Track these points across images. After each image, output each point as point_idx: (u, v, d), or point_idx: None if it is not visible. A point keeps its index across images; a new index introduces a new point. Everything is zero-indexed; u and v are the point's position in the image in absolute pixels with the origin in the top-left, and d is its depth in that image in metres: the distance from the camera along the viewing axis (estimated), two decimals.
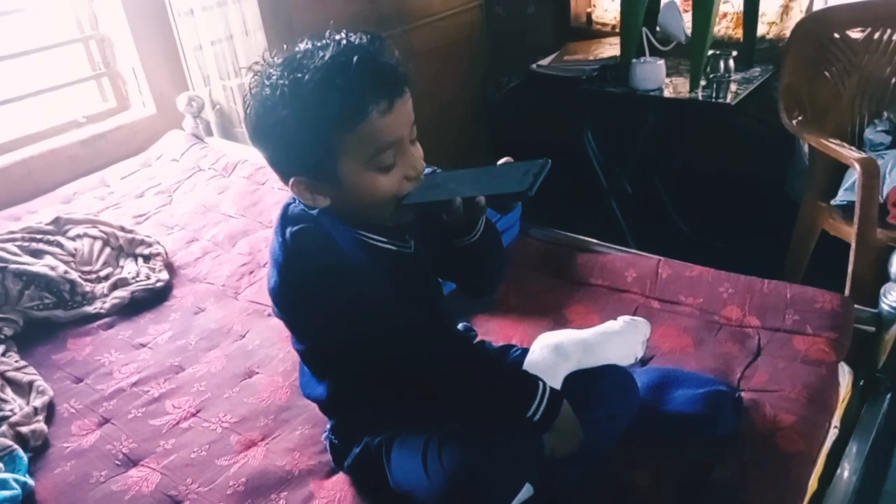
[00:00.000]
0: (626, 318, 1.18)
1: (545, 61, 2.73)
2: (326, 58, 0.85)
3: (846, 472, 1.13)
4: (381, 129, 0.88)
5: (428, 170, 1.00)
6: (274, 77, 0.87)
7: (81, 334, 1.57)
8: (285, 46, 0.91)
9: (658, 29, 2.53)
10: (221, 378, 1.39)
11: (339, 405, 1.07)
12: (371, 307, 0.92)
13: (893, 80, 2.22)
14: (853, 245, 1.96)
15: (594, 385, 1.06)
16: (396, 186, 0.92)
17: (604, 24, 3.01)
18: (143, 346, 1.53)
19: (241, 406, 1.30)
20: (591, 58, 2.69)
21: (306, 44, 0.89)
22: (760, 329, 1.33)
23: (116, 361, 1.47)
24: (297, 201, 0.97)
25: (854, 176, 2.09)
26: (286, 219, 0.96)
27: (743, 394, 1.19)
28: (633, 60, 2.47)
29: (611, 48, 2.74)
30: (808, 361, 1.24)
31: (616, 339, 1.13)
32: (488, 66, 2.84)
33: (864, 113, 2.28)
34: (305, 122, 0.86)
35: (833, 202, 2.17)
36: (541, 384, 0.96)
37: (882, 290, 1.27)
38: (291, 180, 0.92)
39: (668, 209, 2.74)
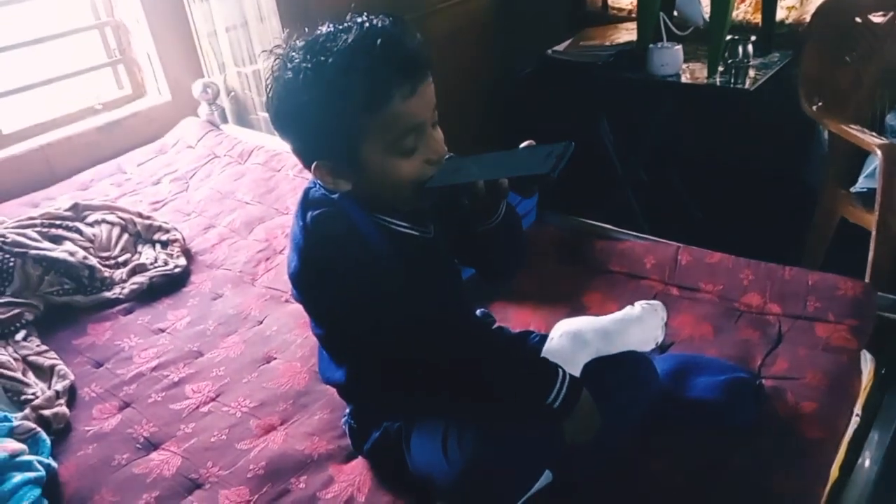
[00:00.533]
0: (644, 303, 1.18)
1: (560, 47, 2.71)
2: (349, 41, 0.85)
3: (867, 460, 1.13)
4: (404, 113, 0.88)
5: (447, 156, 0.99)
6: (296, 60, 0.87)
7: (101, 319, 1.58)
8: (307, 30, 0.91)
9: (675, 13, 2.50)
10: (240, 363, 1.39)
11: (357, 390, 1.07)
12: (390, 293, 0.92)
13: None
14: (874, 233, 1.94)
15: (613, 372, 1.06)
16: (418, 171, 0.92)
17: (620, 10, 2.98)
18: (162, 331, 1.54)
19: (260, 391, 1.31)
20: (608, 43, 2.66)
21: (328, 27, 0.89)
22: (781, 316, 1.32)
23: (136, 346, 1.48)
24: (317, 185, 0.97)
25: (875, 163, 2.06)
26: (307, 203, 0.96)
27: (763, 381, 1.18)
28: (650, 46, 2.44)
29: (627, 33, 2.71)
30: (829, 349, 1.23)
31: (635, 326, 1.13)
32: (503, 52, 2.81)
33: (885, 99, 2.24)
34: (328, 106, 0.86)
35: (853, 189, 2.14)
36: (560, 371, 0.96)
37: None
38: (313, 164, 0.92)
39: (683, 196, 2.72)
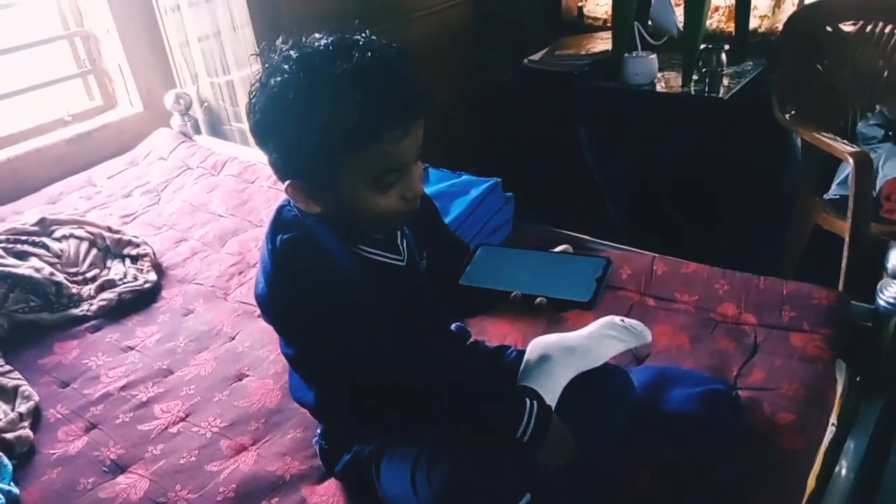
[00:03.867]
0: (628, 322, 1.15)
1: (537, 56, 2.71)
2: (347, 68, 0.81)
3: (844, 469, 1.13)
4: (392, 153, 0.86)
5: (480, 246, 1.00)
6: (286, 74, 0.82)
7: (68, 337, 1.54)
8: (304, 38, 0.86)
9: (650, 23, 2.51)
10: (211, 381, 1.36)
11: (327, 410, 1.05)
12: (355, 319, 0.90)
13: (886, 74, 2.21)
14: (847, 240, 1.95)
15: (590, 390, 1.05)
16: (392, 206, 0.90)
17: (595, 19, 2.99)
18: (131, 348, 1.50)
19: (232, 410, 1.28)
20: (584, 52, 2.67)
21: (325, 40, 0.84)
22: (757, 326, 1.32)
23: (104, 365, 1.45)
24: (291, 204, 0.95)
25: (847, 170, 2.08)
26: (278, 223, 0.94)
27: (740, 392, 1.18)
28: (626, 55, 2.45)
29: (602, 42, 2.73)
30: (805, 358, 1.22)
31: (614, 341, 1.11)
32: (481, 61, 2.81)
33: (856, 106, 2.26)
34: (314, 131, 0.82)
35: (826, 196, 2.16)
36: (528, 403, 0.94)
37: (879, 286, 1.26)
38: (287, 182, 0.89)
39: (660, 204, 2.73)
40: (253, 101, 0.86)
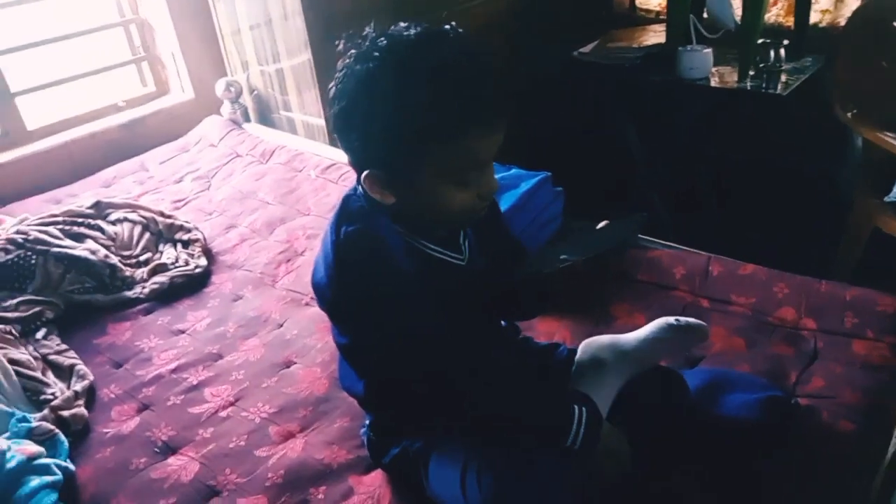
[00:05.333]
0: (683, 321, 1.12)
1: (587, 49, 2.67)
2: (439, 59, 0.81)
3: None
4: (476, 149, 0.85)
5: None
6: (376, 62, 0.82)
7: (121, 319, 1.57)
8: (392, 26, 0.85)
9: (706, 15, 2.45)
10: (260, 367, 1.37)
11: (376, 403, 1.05)
12: (409, 316, 0.89)
13: None
14: None
15: (642, 394, 1.03)
16: (467, 203, 0.90)
17: (648, 11, 2.93)
18: (182, 332, 1.52)
19: (280, 396, 1.29)
20: (635, 45, 2.62)
21: (414, 30, 0.83)
22: (817, 332, 1.28)
23: (156, 347, 1.47)
24: (358, 194, 0.94)
25: None
26: (344, 214, 0.93)
27: (798, 399, 1.14)
28: (680, 48, 2.39)
29: (655, 35, 2.67)
30: (868, 367, 1.18)
31: (669, 343, 1.09)
32: (528, 53, 2.77)
33: None
34: (402, 122, 0.82)
35: (887, 199, 2.08)
36: (576, 411, 0.93)
37: None
38: (365, 172, 0.88)
39: (711, 203, 2.66)
40: (338, 87, 0.85)
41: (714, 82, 2.40)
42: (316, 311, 1.52)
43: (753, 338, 1.29)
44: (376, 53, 0.82)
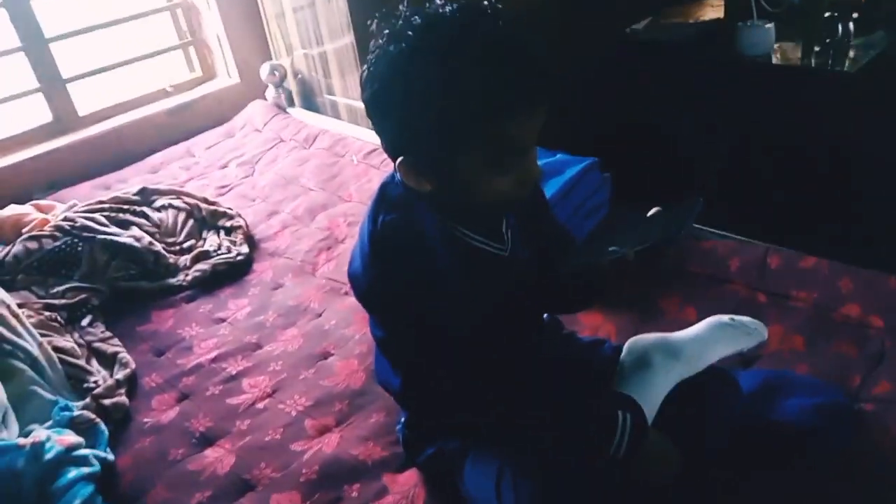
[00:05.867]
0: (738, 321, 1.05)
1: (640, 25, 2.56)
2: (477, 38, 0.76)
3: None
4: (516, 133, 0.80)
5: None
6: (411, 42, 0.77)
7: (165, 306, 1.58)
8: (427, 4, 0.80)
9: None
10: (297, 358, 1.36)
11: (413, 399, 1.01)
12: (446, 314, 0.85)
13: None
14: None
15: (693, 398, 0.97)
16: (509, 190, 0.84)
17: None
18: (223, 320, 1.52)
19: (316, 389, 1.27)
20: (691, 21, 2.50)
21: (450, 7, 0.78)
22: (885, 331, 1.18)
23: (197, 336, 1.47)
24: (396, 181, 0.90)
25: None
26: (382, 202, 0.89)
27: (863, 405, 1.06)
28: (740, 24, 2.27)
29: (712, 10, 2.55)
30: None
31: (722, 344, 1.02)
32: (574, 32, 2.68)
33: None
34: (439, 103, 0.77)
35: None
36: (620, 417, 0.88)
37: None
38: (400, 158, 0.84)
39: (772, 190, 2.53)
40: (371, 69, 0.80)
41: (776, 59, 2.27)
42: (354, 301, 1.48)
43: (814, 336, 1.21)
44: (410, 33, 0.77)
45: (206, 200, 1.89)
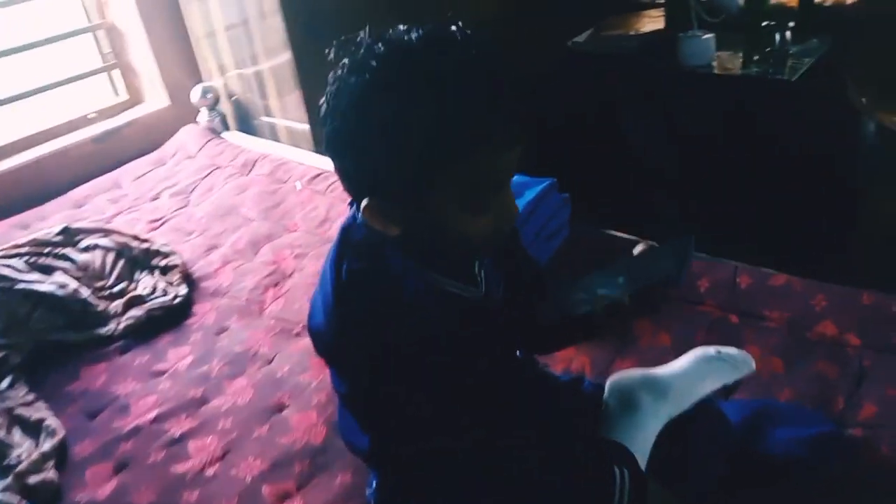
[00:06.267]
0: (725, 352, 1.00)
1: (581, 38, 2.54)
2: (448, 66, 0.68)
3: None
4: (492, 167, 0.72)
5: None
6: (375, 72, 0.69)
7: (95, 360, 1.44)
8: (390, 31, 0.72)
9: None
10: (249, 412, 1.25)
11: (384, 461, 0.92)
12: (426, 373, 0.76)
13: None
14: None
15: (683, 437, 0.91)
16: (486, 230, 0.76)
17: None
18: (162, 373, 1.39)
19: (273, 448, 1.16)
20: (633, 32, 2.49)
21: (415, 33, 0.70)
22: (862, 349, 1.16)
23: (133, 393, 1.34)
24: (358, 222, 0.80)
25: None
26: (345, 246, 0.80)
27: (852, 430, 1.02)
28: (680, 34, 2.27)
29: (652, 21, 2.55)
30: None
31: (710, 379, 0.97)
32: (518, 46, 2.64)
33: None
34: (406, 143, 0.69)
35: None
36: (618, 476, 0.81)
37: None
38: (365, 201, 0.75)
39: (718, 198, 2.54)
40: (330, 103, 0.72)
41: (717, 69, 2.28)
42: (308, 343, 1.37)
43: (792, 358, 1.17)
44: (373, 63, 0.69)
45: (137, 237, 1.75)
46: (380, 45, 0.69)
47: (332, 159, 0.75)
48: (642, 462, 0.88)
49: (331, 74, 0.72)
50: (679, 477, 0.89)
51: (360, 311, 0.77)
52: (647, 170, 2.43)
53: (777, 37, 2.19)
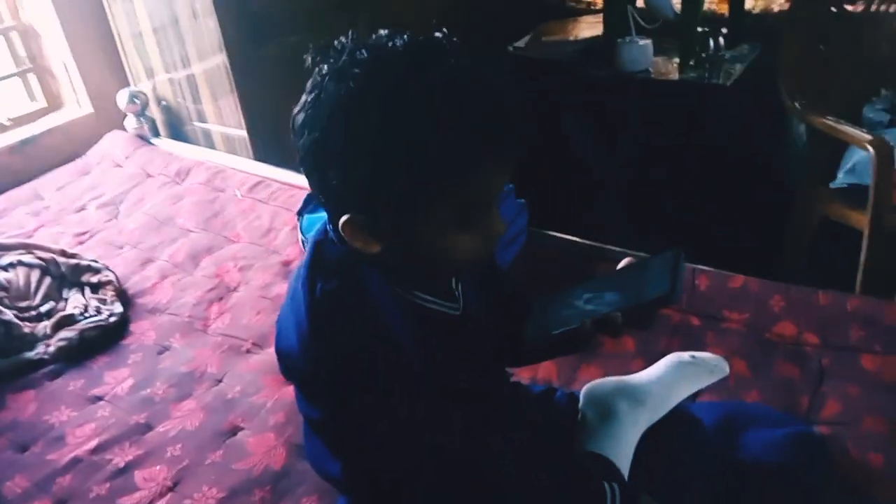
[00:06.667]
0: (699, 357, 0.99)
1: (521, 43, 2.54)
2: (440, 77, 0.64)
3: None
4: (484, 185, 0.68)
5: None
6: (358, 81, 0.64)
7: (23, 387, 1.32)
8: (374, 36, 0.68)
9: (643, 5, 2.36)
10: (200, 438, 1.16)
11: (360, 488, 0.86)
12: (407, 400, 0.72)
13: (891, 56, 2.11)
14: (866, 232, 1.85)
15: (663, 446, 0.89)
16: (473, 248, 0.72)
17: (578, 1, 2.83)
18: (100, 399, 1.29)
19: (229, 475, 1.08)
20: (571, 38, 2.51)
21: (400, 40, 0.66)
22: (821, 348, 1.18)
23: (69, 421, 1.23)
24: (330, 237, 0.75)
25: (854, 158, 1.99)
26: (318, 264, 0.75)
27: (816, 428, 1.04)
28: (619, 40, 2.30)
29: (589, 27, 2.57)
30: (882, 386, 1.10)
31: (686, 384, 0.96)
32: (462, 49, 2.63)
33: (862, 90, 2.16)
34: (393, 157, 0.64)
35: (832, 185, 2.06)
36: (608, 492, 0.78)
37: None
38: (345, 217, 0.70)
39: (658, 200, 2.59)
40: (309, 112, 0.67)
41: (655, 74, 2.32)
42: (260, 360, 1.32)
43: (755, 359, 1.18)
44: (357, 70, 0.64)
45: (63, 253, 1.63)
46: (363, 51, 0.65)
47: (310, 173, 0.70)
48: (625, 471, 0.86)
49: (309, 82, 0.67)
50: (664, 487, 0.87)
51: (337, 333, 0.72)
52: (592, 175, 2.45)
53: (711, 43, 2.26)
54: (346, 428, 0.78)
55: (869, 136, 1.82)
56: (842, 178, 2.04)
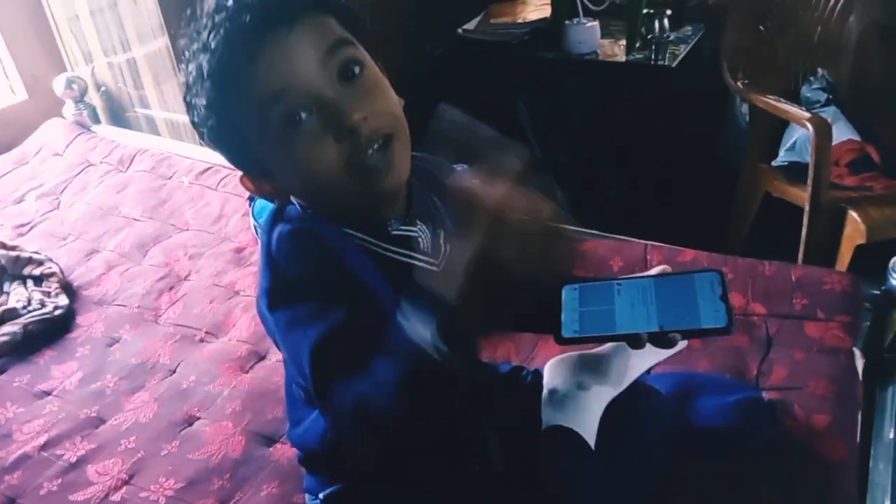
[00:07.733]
0: None
1: (471, 25, 2.54)
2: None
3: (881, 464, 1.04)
4: (275, 71, 0.68)
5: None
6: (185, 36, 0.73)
7: None
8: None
9: None
10: (155, 429, 1.14)
11: (340, 457, 0.84)
12: (367, 322, 0.69)
13: (825, 37, 2.18)
14: (806, 208, 1.92)
15: (626, 418, 0.91)
16: (336, 156, 0.68)
17: None
18: (48, 393, 1.24)
19: (186, 465, 1.06)
20: (520, 20, 2.52)
21: None
22: (767, 317, 1.22)
23: (15, 418, 1.19)
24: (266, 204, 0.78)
25: (794, 136, 2.06)
26: (277, 215, 0.77)
27: (765, 393, 1.08)
28: (567, 22, 2.32)
29: (536, 9, 2.58)
30: (825, 350, 1.14)
31: (646, 355, 0.97)
32: (412, 34, 2.60)
33: (800, 70, 2.23)
34: (206, 86, 0.69)
35: (774, 163, 2.12)
36: None
37: (891, 264, 1.18)
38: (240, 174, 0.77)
39: (605, 180, 2.63)
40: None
41: (602, 56, 2.35)
42: (215, 349, 1.30)
43: None
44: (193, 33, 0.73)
45: (3, 245, 1.56)
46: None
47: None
48: (591, 440, 0.87)
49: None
50: (627, 456, 0.89)
51: (291, 265, 0.72)
52: (541, 155, 2.47)
53: (656, 24, 2.29)
54: (315, 355, 0.72)
55: (808, 114, 1.88)
56: (783, 156, 2.11)
